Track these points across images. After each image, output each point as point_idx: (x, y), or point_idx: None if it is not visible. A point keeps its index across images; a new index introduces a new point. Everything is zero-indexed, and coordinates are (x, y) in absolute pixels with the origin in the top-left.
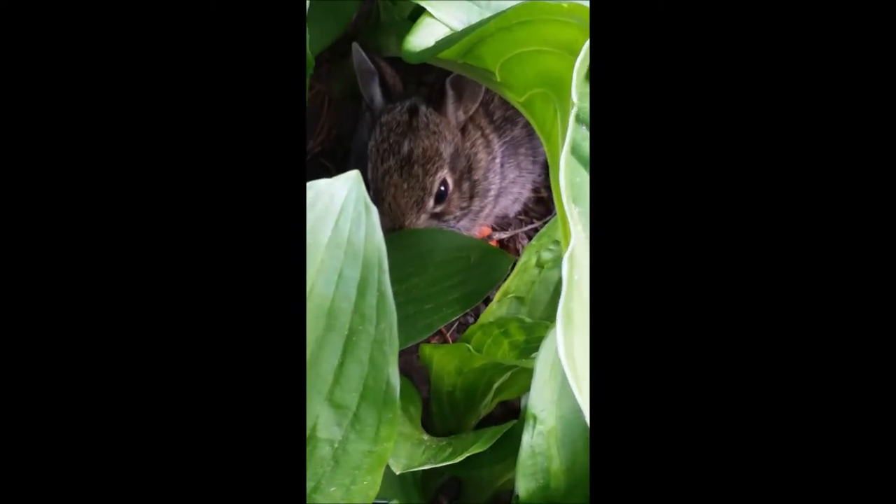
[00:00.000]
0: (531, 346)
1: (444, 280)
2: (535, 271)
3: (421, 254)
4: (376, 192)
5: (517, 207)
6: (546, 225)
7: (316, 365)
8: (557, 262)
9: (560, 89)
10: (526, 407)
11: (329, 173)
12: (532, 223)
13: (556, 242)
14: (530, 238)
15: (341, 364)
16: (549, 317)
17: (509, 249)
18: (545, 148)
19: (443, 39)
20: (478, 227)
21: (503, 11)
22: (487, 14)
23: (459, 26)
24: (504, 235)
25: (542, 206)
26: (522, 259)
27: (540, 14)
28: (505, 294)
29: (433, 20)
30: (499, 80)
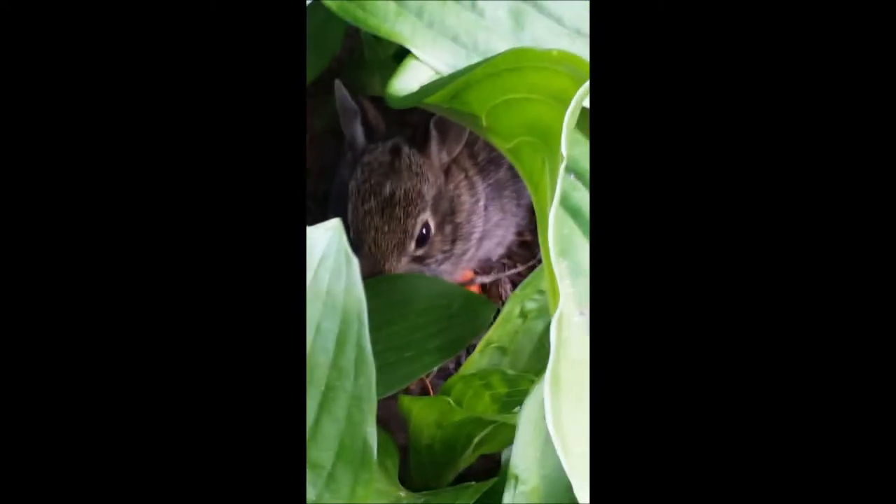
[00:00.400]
0: (513, 399)
1: (425, 328)
2: (519, 321)
3: (402, 300)
4: (356, 233)
5: (500, 251)
6: (531, 274)
7: None
8: (541, 312)
9: (548, 138)
10: (508, 465)
11: (309, 213)
12: (515, 267)
13: (541, 292)
14: (514, 283)
15: (317, 421)
16: (532, 368)
17: (492, 294)
18: (532, 198)
19: (428, 84)
20: (460, 270)
21: (492, 57)
22: (475, 57)
23: (445, 69)
24: (487, 280)
25: (525, 249)
26: (506, 308)
27: (529, 61)
28: (487, 344)
29: (418, 63)
30: (485, 125)
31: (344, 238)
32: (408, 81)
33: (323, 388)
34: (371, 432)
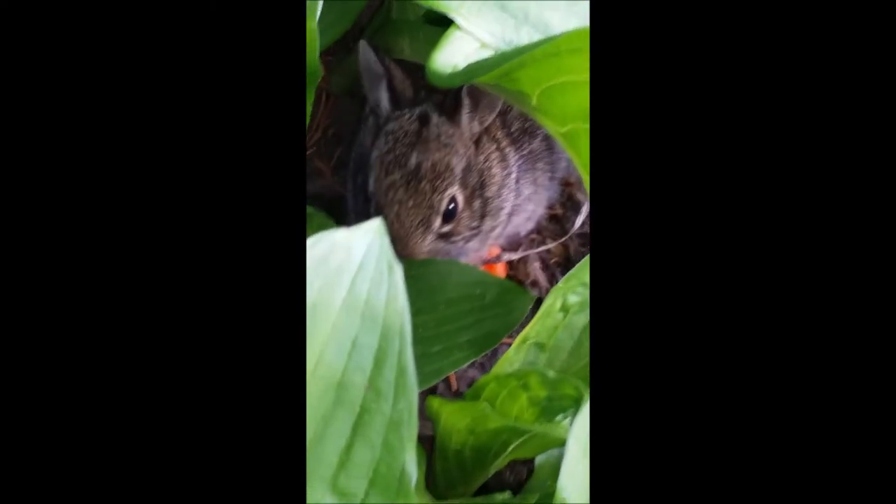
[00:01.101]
0: (554, 404)
1: (455, 320)
2: (560, 315)
3: (430, 288)
4: (378, 207)
5: (530, 226)
6: (576, 266)
7: (320, 445)
8: (584, 305)
9: None
10: (555, 490)
11: (324, 177)
12: (545, 243)
13: (585, 285)
14: (542, 260)
15: (349, 446)
16: (571, 366)
17: (519, 272)
18: (586, 187)
19: (478, 63)
20: (487, 247)
21: (554, 37)
22: (524, 27)
23: (492, 41)
24: (514, 256)
25: (556, 224)
26: (547, 302)
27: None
28: (524, 340)
29: (462, 33)
30: (535, 104)
31: (387, 242)
32: (451, 55)
33: (358, 409)
34: (410, 460)
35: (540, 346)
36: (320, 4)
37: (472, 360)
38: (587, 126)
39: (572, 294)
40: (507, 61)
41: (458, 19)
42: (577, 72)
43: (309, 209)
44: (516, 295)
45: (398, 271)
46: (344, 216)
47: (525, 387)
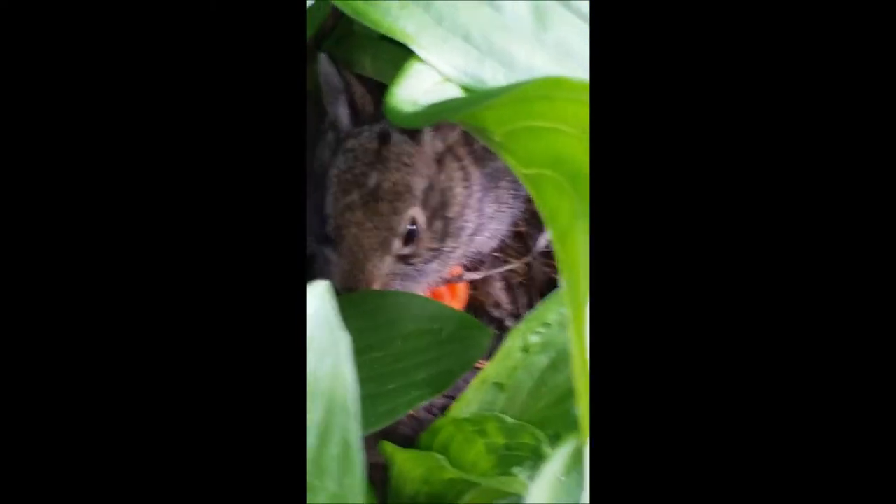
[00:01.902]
0: (512, 453)
1: (411, 356)
2: (520, 355)
3: (387, 322)
4: (336, 228)
5: (493, 244)
6: (537, 306)
7: None
8: (545, 346)
9: (577, 181)
10: None
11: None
12: (508, 262)
13: (546, 325)
14: (506, 280)
15: None
16: (530, 407)
17: (480, 292)
18: (555, 246)
19: (441, 105)
20: (448, 268)
21: (523, 84)
22: (488, 60)
23: (454, 73)
24: (476, 276)
25: (519, 242)
26: (507, 343)
27: (566, 92)
28: (484, 381)
29: (423, 66)
30: (499, 140)
31: (332, 308)
32: (411, 90)
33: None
34: None
35: (499, 387)
36: None
37: (427, 400)
38: (554, 175)
39: (532, 334)
40: (472, 106)
41: (418, 51)
42: (547, 118)
43: None
44: (475, 330)
45: (344, 340)
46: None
47: (482, 433)
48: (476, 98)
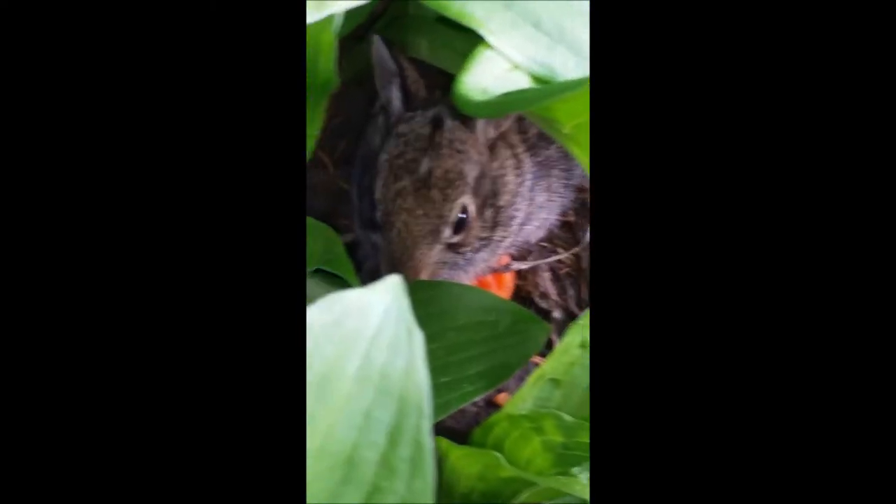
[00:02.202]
0: (570, 452)
1: (465, 348)
2: (578, 352)
3: (440, 313)
4: (385, 214)
5: (541, 234)
6: None
7: None
8: None
9: None
10: None
11: (326, 170)
12: (556, 252)
13: None
14: (553, 271)
15: None
16: (587, 405)
17: (528, 282)
18: None
19: (513, 94)
20: (496, 257)
21: None
22: (559, 48)
23: (524, 61)
24: (523, 266)
25: (568, 232)
26: (566, 339)
27: None
28: (540, 377)
29: (491, 53)
30: (568, 132)
31: (406, 303)
32: (480, 77)
33: (368, 489)
34: None
35: (555, 383)
36: (340, 17)
37: (481, 395)
38: None
39: None
40: (546, 98)
41: (487, 36)
42: None
43: (312, 221)
44: (531, 324)
45: (418, 337)
46: (347, 216)
47: (539, 430)
48: (550, 90)
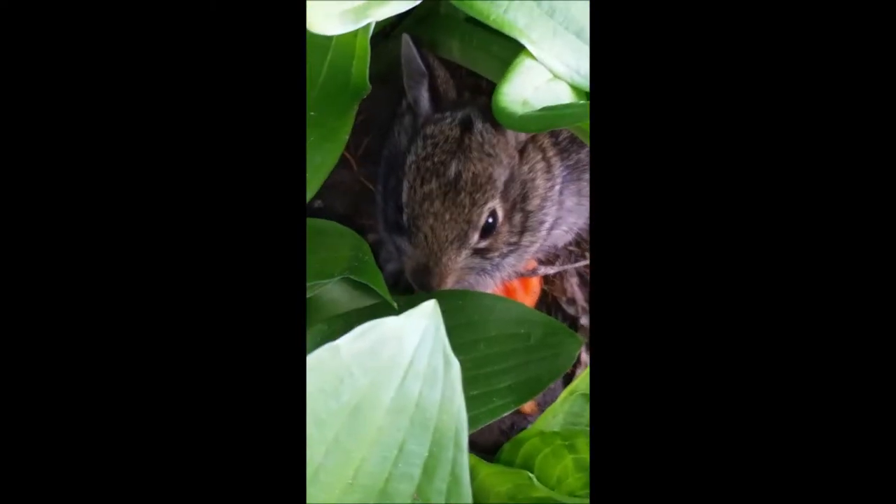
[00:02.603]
0: None
1: (495, 361)
2: None
3: (470, 324)
4: (412, 218)
5: (569, 238)
6: None
7: None
8: None
9: None
10: None
11: (349, 167)
12: (584, 257)
13: None
14: (580, 276)
15: None
16: None
17: (555, 287)
18: None
19: (556, 110)
20: (524, 262)
21: None
22: None
23: (565, 71)
24: (551, 271)
25: None
26: None
27: None
28: (572, 392)
29: (532, 62)
30: None
31: (443, 331)
32: (521, 87)
33: None
34: None
35: (588, 398)
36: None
37: (512, 409)
38: None
39: None
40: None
41: (529, 45)
42: None
43: (339, 227)
44: (564, 337)
45: (455, 367)
46: (371, 216)
47: (571, 448)
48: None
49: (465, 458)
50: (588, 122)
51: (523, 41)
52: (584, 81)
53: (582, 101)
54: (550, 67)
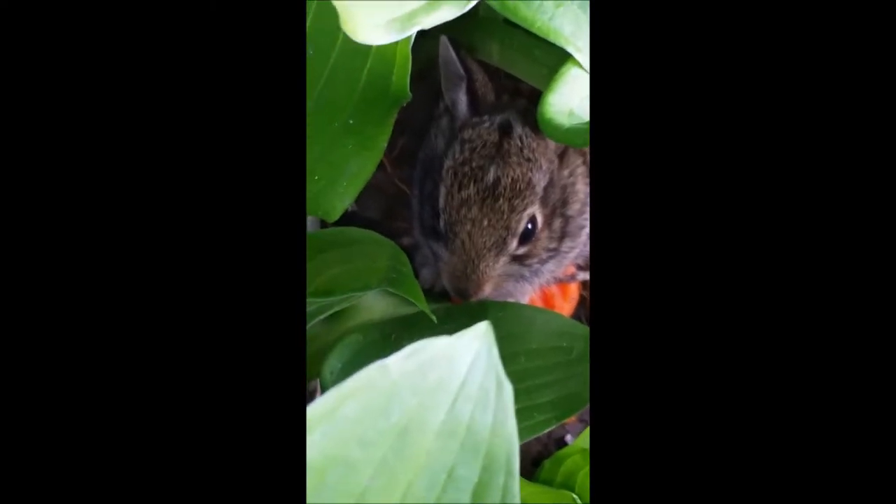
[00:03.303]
0: None
1: (536, 375)
2: None
3: (510, 336)
4: (449, 224)
5: None
6: None
7: None
8: None
9: None
10: None
11: (383, 169)
12: None
13: None
14: None
15: None
16: None
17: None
18: None
19: None
20: (563, 268)
21: None
22: None
23: None
24: (589, 276)
25: None
26: None
27: None
28: None
29: (578, 71)
30: None
31: (496, 352)
32: (567, 97)
33: None
34: None
35: None
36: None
37: (553, 426)
38: None
39: None
40: None
41: (576, 54)
42: None
43: (376, 236)
44: None
45: (508, 390)
46: (405, 219)
47: None
48: None
49: (516, 484)
50: None
51: (569, 49)
52: None
53: None
54: None
